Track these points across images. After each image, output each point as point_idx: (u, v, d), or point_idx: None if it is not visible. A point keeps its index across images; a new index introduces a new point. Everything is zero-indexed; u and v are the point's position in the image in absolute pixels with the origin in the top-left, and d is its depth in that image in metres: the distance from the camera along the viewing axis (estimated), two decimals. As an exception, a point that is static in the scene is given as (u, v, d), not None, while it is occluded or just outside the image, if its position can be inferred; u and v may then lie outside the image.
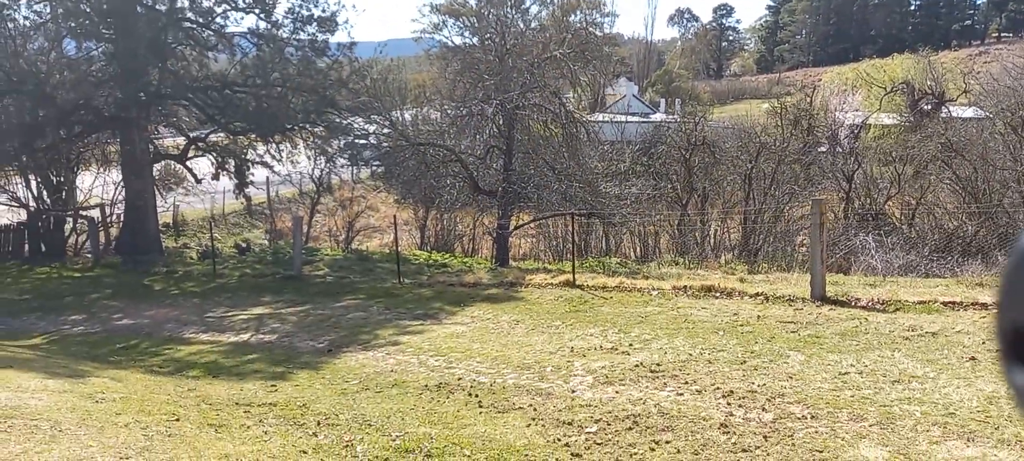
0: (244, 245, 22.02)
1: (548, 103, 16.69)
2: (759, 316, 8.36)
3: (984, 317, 7.45)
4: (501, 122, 15.84)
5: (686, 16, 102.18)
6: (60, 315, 12.43)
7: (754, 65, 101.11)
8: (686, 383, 6.07)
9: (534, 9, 17.98)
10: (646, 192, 21.36)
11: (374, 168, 30.19)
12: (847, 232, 19.16)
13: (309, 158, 22.43)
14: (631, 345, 7.58)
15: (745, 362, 6.59)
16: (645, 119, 45.72)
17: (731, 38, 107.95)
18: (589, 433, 5.02)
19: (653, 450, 4.61)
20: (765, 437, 4.67)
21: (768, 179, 21.75)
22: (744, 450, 4.46)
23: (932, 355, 6.29)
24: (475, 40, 19.19)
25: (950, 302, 8.10)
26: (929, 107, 43.01)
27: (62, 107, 17.03)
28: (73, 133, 19.12)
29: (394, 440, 5.08)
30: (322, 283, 13.93)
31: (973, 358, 6.06)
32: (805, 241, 20.65)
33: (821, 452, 4.31)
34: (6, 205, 20.86)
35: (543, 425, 5.29)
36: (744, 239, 20.91)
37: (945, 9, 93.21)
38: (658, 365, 6.67)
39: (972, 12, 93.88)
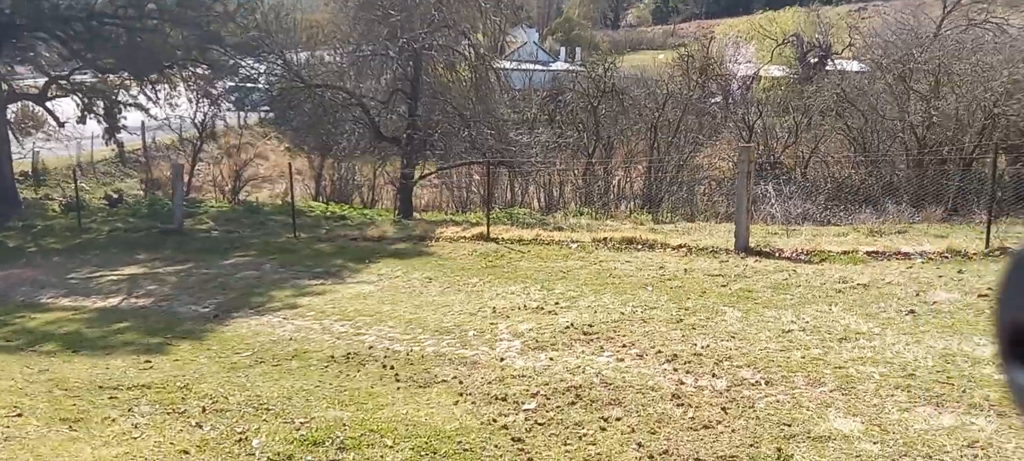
0: (116, 196, 19.94)
1: (456, 44, 15.71)
2: (686, 269, 7.99)
3: (909, 267, 7.37)
4: (405, 64, 14.77)
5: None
6: None
7: (649, 16, 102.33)
8: (624, 346, 5.55)
9: None
10: (553, 141, 20.87)
11: (263, 113, 28.14)
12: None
13: (191, 101, 20.43)
14: (557, 303, 7.02)
15: (681, 320, 6.16)
16: (547, 68, 45.20)
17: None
18: (528, 411, 4.40)
19: (604, 430, 4.04)
20: (724, 409, 4.20)
21: (672, 128, 21.76)
22: (705, 426, 3.97)
23: (870, 309, 6.06)
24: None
25: (873, 252, 8.01)
26: (816, 60, 44.69)
27: None
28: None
29: (298, 429, 4.28)
30: (207, 238, 12.63)
31: (912, 312, 5.86)
32: (708, 190, 20.89)
33: (789, 426, 3.88)
34: None
35: (473, 402, 4.63)
36: (648, 189, 20.91)
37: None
38: (590, 326, 6.13)
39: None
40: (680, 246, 8.98)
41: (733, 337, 5.57)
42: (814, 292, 6.74)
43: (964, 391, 4.13)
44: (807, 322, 5.81)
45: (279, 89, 16.17)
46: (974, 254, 7.55)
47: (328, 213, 15.82)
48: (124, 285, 9.57)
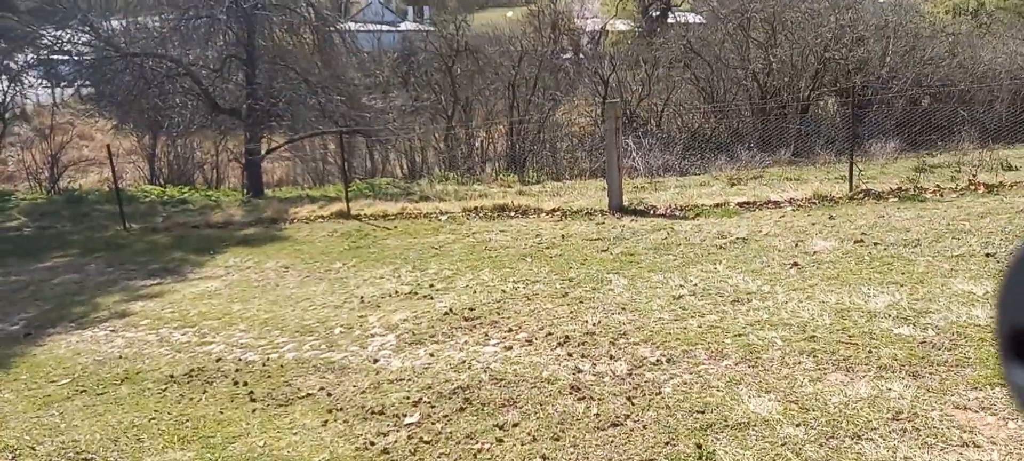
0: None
1: (292, 3, 14.39)
2: (563, 235, 7.61)
3: (783, 216, 7.38)
4: (237, 27, 13.33)
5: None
6: None
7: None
8: (511, 331, 5.05)
9: None
10: (409, 105, 19.99)
11: (80, 87, 24.99)
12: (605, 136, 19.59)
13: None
14: (432, 286, 6.41)
15: (567, 293, 5.75)
16: (396, 29, 43.68)
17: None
18: (411, 425, 3.80)
19: (501, 441, 3.52)
20: (629, 399, 3.80)
21: (530, 86, 21.50)
22: (613, 424, 3.54)
23: (754, 265, 5.93)
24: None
25: (744, 203, 8.00)
26: (658, 13, 46.14)
27: None
28: None
29: (127, 485, 3.43)
30: (17, 238, 10.85)
31: (795, 264, 5.78)
32: (570, 147, 20.88)
33: (703, 413, 3.53)
34: None
35: (346, 420, 3.96)
36: (511, 149, 20.61)
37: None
38: (471, 309, 5.58)
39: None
40: (554, 210, 8.60)
41: (624, 309, 5.21)
42: (696, 250, 6.55)
43: (870, 351, 3.97)
44: (696, 285, 5.57)
45: (91, 60, 14.15)
46: (840, 198, 7.71)
47: (165, 198, 14.18)
48: (-97, 307, 7.90)
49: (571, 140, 20.41)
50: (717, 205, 8.04)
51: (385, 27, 40.10)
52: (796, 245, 6.31)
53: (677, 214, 7.94)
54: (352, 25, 30.18)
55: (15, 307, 7.30)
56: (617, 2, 48.99)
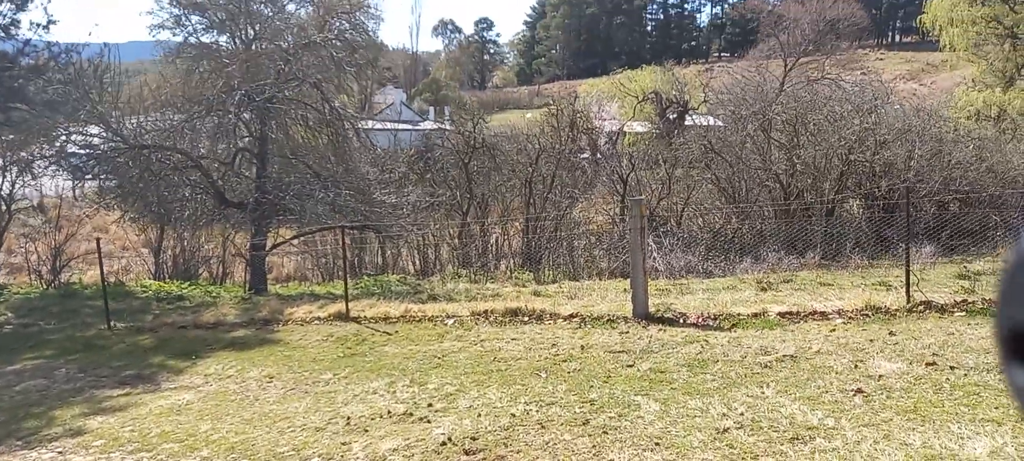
0: (-103, 285, 16.52)
1: (308, 98, 14.09)
2: (582, 346, 6.75)
3: (833, 330, 6.50)
4: (249, 119, 12.98)
5: (450, 27, 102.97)
6: None
7: (515, 77, 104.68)
8: (520, 470, 4.16)
9: (291, 8, 15.35)
10: (424, 200, 19.50)
11: (103, 180, 24.91)
12: (625, 236, 18.94)
13: (1, 170, 17.40)
14: (430, 405, 5.54)
15: (588, 421, 4.86)
16: (416, 127, 44.12)
17: (492, 51, 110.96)
18: None
19: None
20: None
21: (547, 184, 21.04)
22: None
23: (809, 390, 5.03)
24: (223, 39, 16.08)
25: (786, 313, 7.13)
26: (675, 115, 46.42)
27: None
28: None
29: None
30: (-7, 336, 10.14)
31: (860, 391, 4.87)
32: (587, 246, 20.18)
33: None
34: None
35: None
36: (527, 246, 19.94)
37: (676, 30, 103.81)
38: (473, 439, 4.70)
39: (697, 33, 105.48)
40: (572, 315, 7.77)
41: (658, 444, 4.31)
42: (737, 369, 5.66)
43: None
44: (742, 414, 4.67)
45: (101, 152, 13.82)
46: (896, 310, 6.83)
47: (162, 293, 13.51)
48: None
49: (589, 238, 19.74)
50: (755, 315, 7.17)
51: (404, 125, 40.45)
52: (855, 366, 5.40)
53: (710, 324, 7.08)
54: (373, 123, 30.33)
55: (-36, 417, 6.48)
56: (635, 104, 49.53)
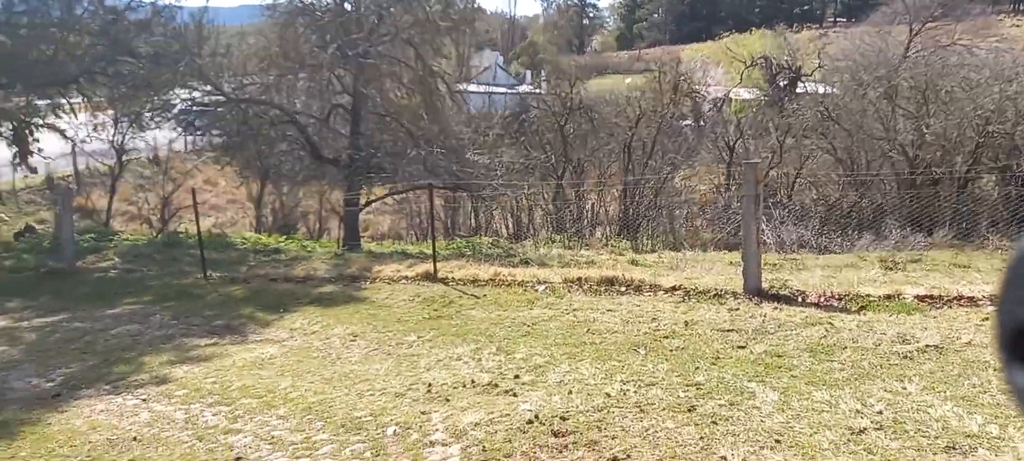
0: (28, 229, 17.64)
1: (402, 56, 13.83)
2: (686, 322, 6.12)
3: (985, 319, 5.59)
4: (343, 75, 12.85)
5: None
6: None
7: (614, 42, 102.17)
8: (615, 460, 3.64)
9: None
10: (518, 163, 19.06)
11: (209, 135, 25.88)
12: (731, 206, 17.92)
13: (114, 122, 18.22)
14: (517, 377, 5.09)
15: (694, 408, 4.27)
16: (512, 90, 43.66)
17: (592, 15, 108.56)
18: None
19: None
20: None
21: (647, 149, 20.13)
22: None
23: (963, 389, 4.24)
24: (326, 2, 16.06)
25: (924, 297, 6.23)
26: (785, 82, 43.91)
27: None
28: None
29: None
30: (100, 279, 10.46)
31: (1030, 393, 4.05)
32: (688, 215, 19.22)
33: None
34: None
35: None
36: (624, 213, 19.20)
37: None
38: (563, 419, 4.21)
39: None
40: (675, 288, 7.12)
41: (779, 442, 3.69)
42: (870, 358, 4.91)
43: None
44: (881, 413, 3.96)
45: (203, 106, 14.11)
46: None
47: (259, 246, 13.70)
48: (-38, 347, 7.40)
49: (690, 207, 18.78)
50: (887, 297, 6.31)
51: (499, 89, 40.05)
52: (1022, 363, 4.55)
53: (834, 305, 6.28)
54: (471, 86, 30.08)
55: (61, 359, 6.56)
56: (742, 70, 47.16)
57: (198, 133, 20.29)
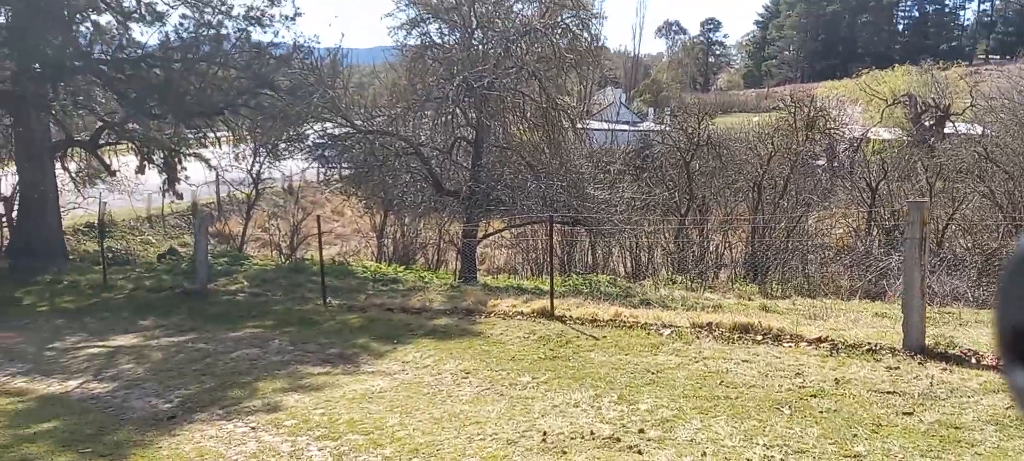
0: (170, 251, 18.86)
1: (525, 88, 13.71)
2: (837, 380, 5.38)
3: None
4: (467, 106, 12.86)
5: (674, 28, 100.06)
6: None
7: (741, 80, 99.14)
8: (764, 543, 3.06)
9: (517, 6, 15.23)
10: (639, 199, 18.44)
11: (339, 167, 27.01)
12: (872, 251, 16.48)
13: (252, 152, 19.28)
14: (642, 431, 4.57)
15: (856, 485, 3.60)
16: (635, 127, 43.00)
17: (718, 52, 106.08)
18: None
19: None
20: None
21: (779, 189, 18.97)
22: None
23: None
24: (454, 38, 16.36)
25: None
26: (932, 122, 40.77)
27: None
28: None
29: None
30: (228, 302, 10.80)
31: None
32: (823, 260, 17.84)
33: None
34: None
35: None
36: (751, 255, 18.10)
37: (933, 29, 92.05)
38: (698, 486, 3.66)
39: (960, 32, 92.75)
40: (820, 339, 6.35)
41: (974, 540, 2.98)
42: (1077, 438, 4.03)
43: None
44: (1108, 513, 3.15)
45: (333, 138, 14.56)
46: None
47: (378, 275, 13.85)
48: (99, 362, 7.72)
49: (824, 251, 17.43)
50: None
51: (622, 125, 39.53)
52: None
53: (1020, 369, 5.33)
54: (594, 123, 29.80)
55: (181, 381, 6.65)
56: (882, 108, 44.20)
57: (329, 164, 21.09)
